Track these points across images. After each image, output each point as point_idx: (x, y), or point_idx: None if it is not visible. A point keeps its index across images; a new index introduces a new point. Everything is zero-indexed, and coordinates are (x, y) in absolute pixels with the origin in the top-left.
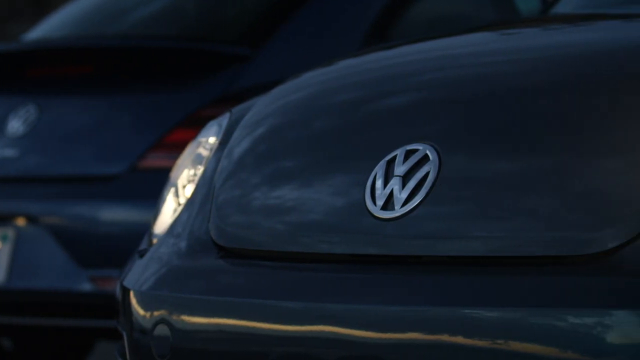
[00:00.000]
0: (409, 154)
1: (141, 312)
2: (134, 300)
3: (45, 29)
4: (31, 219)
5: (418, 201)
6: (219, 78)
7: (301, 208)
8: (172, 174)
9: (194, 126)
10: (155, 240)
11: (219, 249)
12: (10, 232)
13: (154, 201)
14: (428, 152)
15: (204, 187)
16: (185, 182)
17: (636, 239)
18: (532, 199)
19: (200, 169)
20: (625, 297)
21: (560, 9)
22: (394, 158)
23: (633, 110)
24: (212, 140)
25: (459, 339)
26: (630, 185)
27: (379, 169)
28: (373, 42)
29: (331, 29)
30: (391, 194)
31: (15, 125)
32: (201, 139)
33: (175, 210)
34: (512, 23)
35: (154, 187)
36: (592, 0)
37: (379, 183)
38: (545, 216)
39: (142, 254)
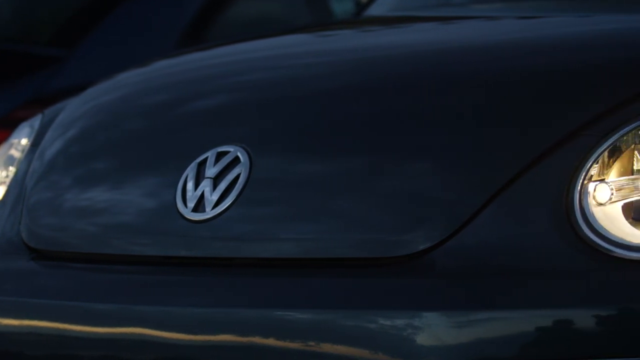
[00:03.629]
0: (220, 155)
1: None
2: None
3: None
4: None
5: (229, 203)
6: (32, 79)
7: (113, 210)
8: None
9: (7, 128)
10: None
11: (31, 251)
12: None
13: None
14: (239, 154)
15: (16, 188)
16: None
17: (446, 241)
18: (343, 201)
19: (12, 171)
20: (435, 299)
21: (373, 11)
22: (205, 160)
23: (443, 112)
24: (24, 141)
25: (271, 341)
26: (441, 187)
27: (190, 171)
28: (188, 43)
29: (146, 29)
30: (202, 195)
31: None
32: (13, 140)
33: None
34: (326, 25)
35: None
36: (404, 3)
37: (190, 185)
38: (356, 218)
39: None
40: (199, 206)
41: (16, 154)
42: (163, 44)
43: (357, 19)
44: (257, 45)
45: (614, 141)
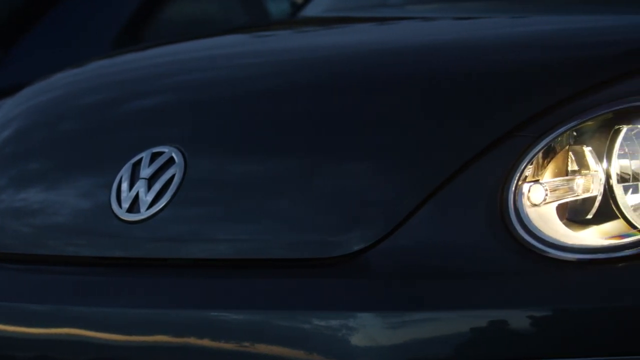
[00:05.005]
0: (154, 156)
1: None
2: None
3: None
4: None
5: (163, 204)
6: None
7: (47, 211)
8: None
9: None
10: None
11: None
12: None
13: None
14: (174, 154)
15: None
16: None
17: (381, 242)
18: (278, 202)
19: None
20: (369, 300)
21: (309, 11)
22: (140, 160)
23: (378, 112)
24: None
25: (206, 342)
26: (376, 188)
27: (125, 172)
28: (125, 43)
29: (84, 29)
30: (137, 196)
31: None
32: None
33: None
34: (262, 26)
35: None
36: (340, 4)
37: (124, 185)
38: (291, 218)
39: None
40: (134, 207)
41: None
42: (99, 44)
43: (293, 20)
44: (193, 46)
45: (548, 142)
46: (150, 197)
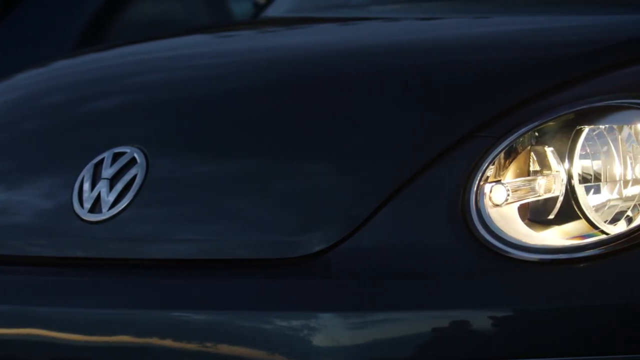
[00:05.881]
0: (116, 156)
1: None
2: None
3: None
4: None
5: (125, 204)
6: None
7: (9, 211)
8: None
9: None
10: None
11: None
12: None
13: None
14: (135, 155)
15: None
16: None
17: (343, 242)
18: (240, 202)
19: None
20: (331, 300)
21: (271, 12)
22: (102, 161)
23: (340, 113)
24: None
25: (168, 342)
26: (338, 188)
27: (87, 172)
28: (88, 43)
29: (46, 29)
30: (99, 196)
31: None
32: None
33: None
34: (225, 26)
35: None
36: (302, 4)
37: (86, 186)
38: (253, 219)
39: None
40: (96, 207)
41: None
42: (62, 44)
43: (256, 20)
44: (155, 46)
45: (510, 142)
46: (112, 198)
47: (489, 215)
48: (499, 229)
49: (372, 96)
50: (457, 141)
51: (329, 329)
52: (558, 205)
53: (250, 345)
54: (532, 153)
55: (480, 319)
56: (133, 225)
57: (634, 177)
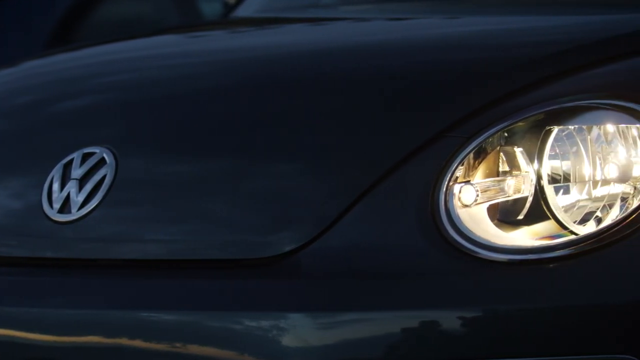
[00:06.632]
0: (86, 157)
1: None
2: None
3: None
4: None
5: (95, 204)
6: None
7: None
8: None
9: None
10: None
11: None
12: None
13: None
14: (105, 155)
15: None
16: None
17: (312, 243)
18: (210, 202)
19: None
20: (300, 300)
21: (241, 12)
22: (71, 161)
23: (310, 113)
24: None
25: (138, 342)
26: (308, 189)
27: (56, 172)
28: (58, 43)
29: (16, 30)
30: (68, 197)
31: None
32: None
33: None
34: (195, 26)
35: None
36: (272, 4)
37: (55, 186)
38: (223, 219)
39: None
40: (65, 207)
41: None
42: (32, 44)
43: (226, 20)
44: (125, 46)
45: (479, 143)
46: (81, 198)
47: (458, 215)
48: (468, 229)
49: (342, 96)
50: (427, 141)
51: (298, 329)
52: (527, 205)
53: (219, 345)
54: (501, 153)
55: (450, 320)
56: (102, 225)
57: (603, 177)
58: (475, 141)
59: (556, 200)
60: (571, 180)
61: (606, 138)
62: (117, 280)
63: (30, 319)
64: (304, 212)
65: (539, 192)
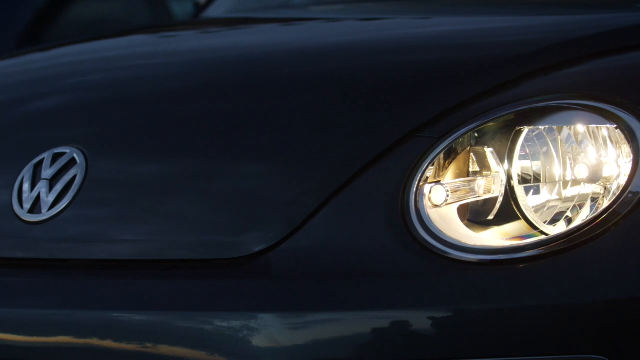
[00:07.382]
0: (56, 157)
1: None
2: None
3: None
4: None
5: (65, 204)
6: None
7: None
8: None
9: None
10: None
11: None
12: None
13: None
14: (75, 155)
15: None
16: None
17: (282, 243)
18: (180, 203)
19: None
20: (270, 301)
21: (212, 12)
22: (42, 161)
23: (280, 113)
24: None
25: (109, 343)
26: (277, 189)
27: (26, 172)
28: (28, 43)
29: None
30: (39, 197)
31: None
32: None
33: None
34: (165, 26)
35: None
36: (243, 5)
37: (26, 186)
38: (192, 220)
39: None
40: (35, 207)
41: None
42: (1, 44)
43: (196, 21)
44: (95, 46)
45: (449, 143)
46: (51, 198)
47: (428, 215)
48: (439, 229)
49: (312, 96)
50: (397, 141)
51: (268, 330)
52: (497, 205)
53: (190, 345)
54: (471, 154)
55: (420, 320)
56: (73, 225)
57: (573, 177)
58: (445, 141)
59: (526, 201)
60: (541, 181)
61: (576, 138)
62: (87, 280)
63: (2, 320)
64: (274, 213)
65: (509, 192)
